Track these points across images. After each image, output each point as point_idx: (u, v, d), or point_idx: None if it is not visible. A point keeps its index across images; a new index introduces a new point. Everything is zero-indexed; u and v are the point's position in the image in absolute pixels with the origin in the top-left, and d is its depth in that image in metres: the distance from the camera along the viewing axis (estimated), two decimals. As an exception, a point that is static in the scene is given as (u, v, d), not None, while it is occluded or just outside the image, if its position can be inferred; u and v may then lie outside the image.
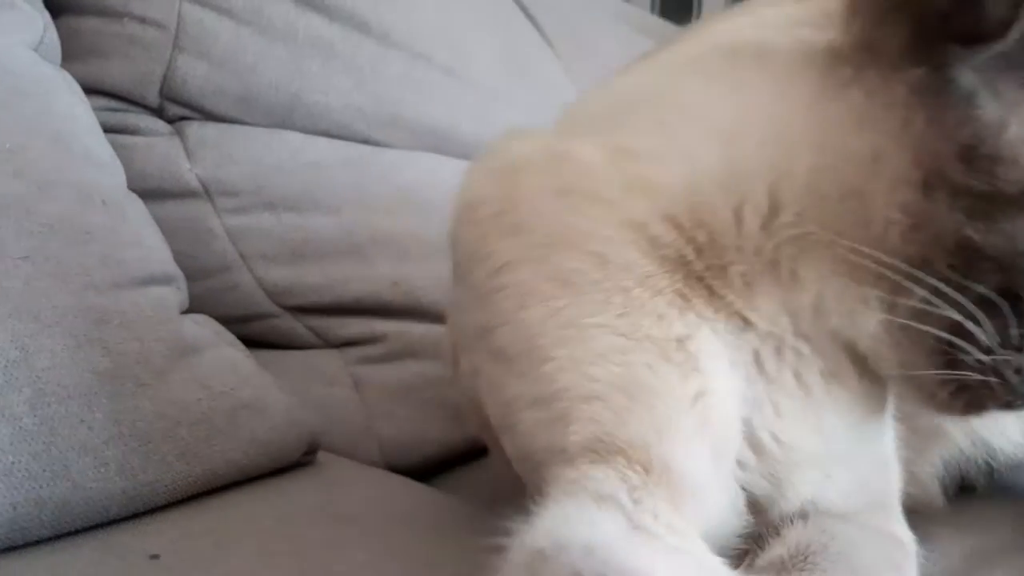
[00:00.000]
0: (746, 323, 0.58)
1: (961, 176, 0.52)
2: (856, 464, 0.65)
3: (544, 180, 0.61)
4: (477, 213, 0.63)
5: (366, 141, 1.30)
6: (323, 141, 1.26)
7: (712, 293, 0.58)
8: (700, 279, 0.58)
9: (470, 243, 0.63)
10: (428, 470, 1.08)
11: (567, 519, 0.49)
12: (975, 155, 0.52)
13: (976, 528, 0.90)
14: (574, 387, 0.55)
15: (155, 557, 0.63)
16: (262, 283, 1.15)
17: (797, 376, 0.60)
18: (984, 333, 0.53)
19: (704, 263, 0.58)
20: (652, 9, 2.52)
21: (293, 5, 1.24)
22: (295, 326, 1.17)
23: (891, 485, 0.69)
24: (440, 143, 1.38)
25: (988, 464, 0.92)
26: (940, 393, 0.56)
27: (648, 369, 0.55)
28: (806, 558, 0.59)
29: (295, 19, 1.24)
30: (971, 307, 0.53)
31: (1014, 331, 0.54)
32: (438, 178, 1.34)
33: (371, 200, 1.25)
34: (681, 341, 0.56)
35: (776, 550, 0.61)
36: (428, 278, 1.21)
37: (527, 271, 0.59)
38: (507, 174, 0.63)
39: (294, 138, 1.23)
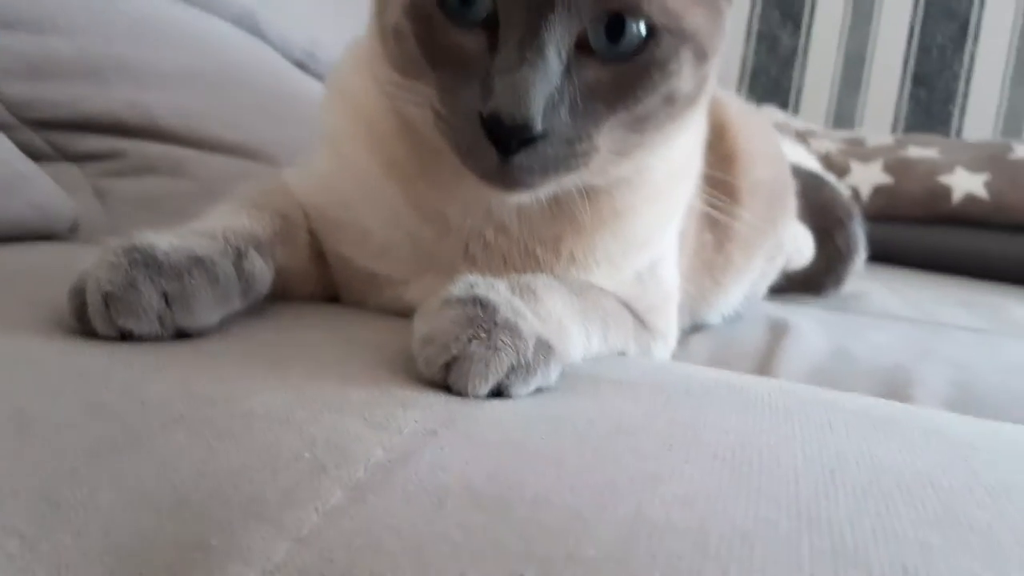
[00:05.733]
0: None
1: None
2: None
3: None
4: None
5: (104, -29, 1.35)
6: (60, -34, 1.30)
7: None
8: None
9: None
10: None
11: None
12: None
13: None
14: None
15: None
16: (1, 95, 1.20)
17: None
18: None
19: None
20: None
21: None
22: (33, 139, 1.21)
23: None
24: (175, -19, 1.46)
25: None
26: None
27: None
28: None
29: None
30: None
31: None
32: (173, 13, 1.44)
33: (109, 27, 1.30)
34: None
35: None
36: (166, 104, 1.30)
37: None
38: None
39: (30, -39, 1.26)
